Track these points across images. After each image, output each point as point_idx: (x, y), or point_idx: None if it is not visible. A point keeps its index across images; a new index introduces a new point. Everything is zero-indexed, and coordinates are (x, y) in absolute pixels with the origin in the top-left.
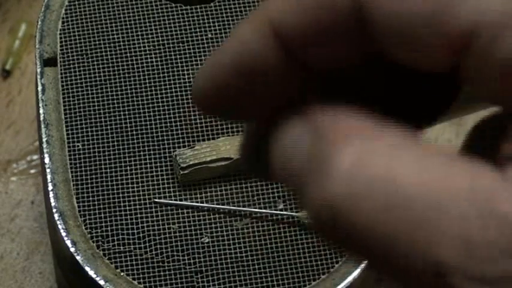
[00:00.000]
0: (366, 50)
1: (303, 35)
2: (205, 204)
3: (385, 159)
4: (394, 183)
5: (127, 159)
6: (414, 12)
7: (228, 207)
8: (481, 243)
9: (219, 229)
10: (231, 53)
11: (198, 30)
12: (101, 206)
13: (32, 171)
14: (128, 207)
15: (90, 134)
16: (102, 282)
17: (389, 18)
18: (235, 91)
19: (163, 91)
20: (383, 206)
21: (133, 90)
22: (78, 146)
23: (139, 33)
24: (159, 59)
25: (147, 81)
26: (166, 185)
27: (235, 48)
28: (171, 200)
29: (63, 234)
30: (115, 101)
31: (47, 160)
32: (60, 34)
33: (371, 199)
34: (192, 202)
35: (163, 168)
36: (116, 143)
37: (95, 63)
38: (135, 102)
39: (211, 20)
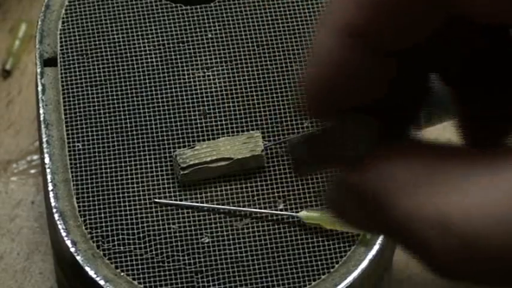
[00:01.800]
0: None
1: (380, 27)
2: (205, 204)
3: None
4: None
5: (127, 159)
6: None
7: (228, 207)
8: None
9: (219, 229)
10: (318, 65)
11: (198, 30)
12: (101, 206)
13: (32, 171)
14: (128, 207)
15: (90, 134)
16: (102, 282)
17: None
18: (332, 96)
19: (163, 91)
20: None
21: (134, 90)
22: (78, 146)
23: (139, 33)
24: (159, 59)
25: (147, 81)
26: (166, 185)
27: (321, 59)
28: (171, 200)
29: (63, 234)
30: (115, 101)
31: (47, 160)
32: (60, 34)
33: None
34: (192, 202)
35: (163, 168)
36: (116, 143)
37: (95, 63)
38: (135, 102)
39: (211, 20)
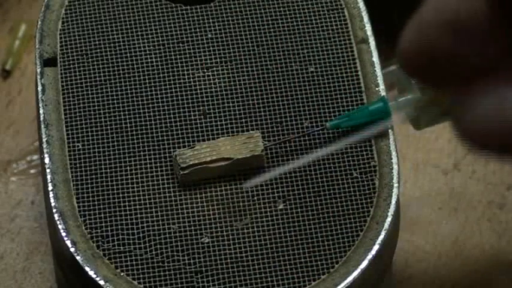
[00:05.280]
0: None
1: None
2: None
3: None
4: None
5: (127, 159)
6: None
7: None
8: None
9: (219, 229)
10: (437, 10)
11: (198, 30)
12: (101, 206)
13: (32, 171)
14: (128, 207)
15: (90, 134)
16: (102, 282)
17: None
18: (441, 49)
19: (163, 91)
20: None
21: (134, 90)
22: (78, 146)
23: (139, 33)
24: (159, 59)
25: (147, 81)
26: (166, 185)
27: (442, 4)
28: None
29: (63, 234)
30: (115, 101)
31: (47, 160)
32: (60, 34)
33: None
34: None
35: (163, 168)
36: (116, 143)
37: (95, 63)
38: (135, 102)
39: (211, 20)
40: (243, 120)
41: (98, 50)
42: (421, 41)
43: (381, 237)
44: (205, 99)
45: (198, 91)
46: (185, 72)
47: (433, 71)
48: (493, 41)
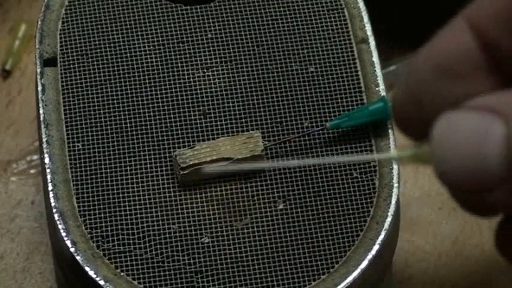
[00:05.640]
0: None
1: (500, 21)
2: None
3: None
4: None
5: (127, 159)
6: None
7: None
8: None
9: (219, 229)
10: (426, 57)
11: (198, 30)
12: (101, 206)
13: (32, 171)
14: (128, 207)
15: (90, 134)
16: (102, 282)
17: None
18: (430, 93)
19: (163, 91)
20: None
21: (134, 90)
22: (78, 146)
23: (139, 33)
24: (159, 59)
25: (147, 81)
26: (166, 185)
27: (429, 51)
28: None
29: (63, 234)
30: (115, 101)
31: (47, 160)
32: (60, 34)
33: None
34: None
35: (163, 168)
36: (116, 143)
37: (95, 63)
38: (135, 102)
39: (211, 20)
40: (243, 120)
41: (98, 50)
42: (411, 88)
43: (381, 237)
44: (205, 99)
45: (198, 91)
46: (185, 72)
47: (422, 123)
48: (482, 81)
